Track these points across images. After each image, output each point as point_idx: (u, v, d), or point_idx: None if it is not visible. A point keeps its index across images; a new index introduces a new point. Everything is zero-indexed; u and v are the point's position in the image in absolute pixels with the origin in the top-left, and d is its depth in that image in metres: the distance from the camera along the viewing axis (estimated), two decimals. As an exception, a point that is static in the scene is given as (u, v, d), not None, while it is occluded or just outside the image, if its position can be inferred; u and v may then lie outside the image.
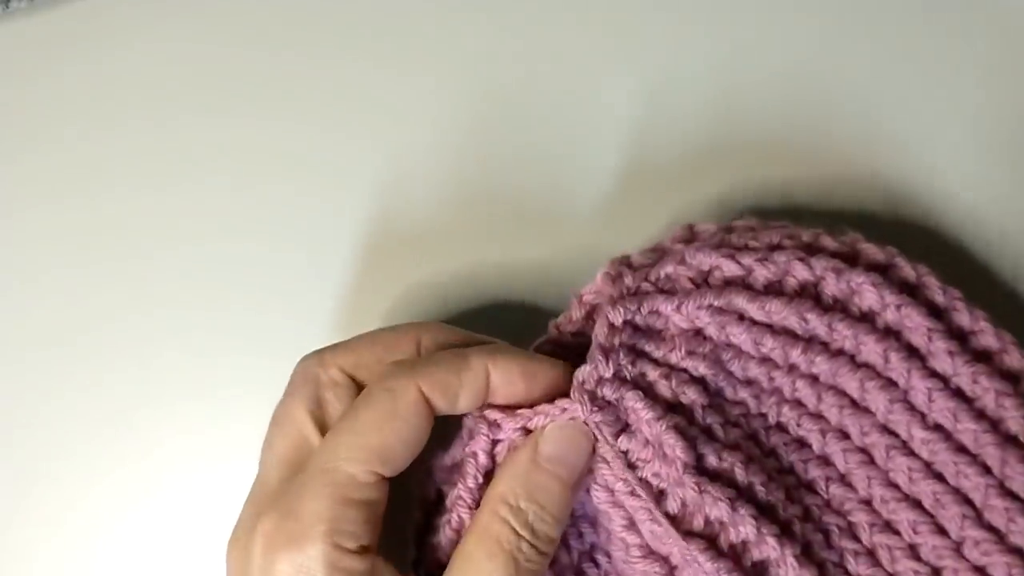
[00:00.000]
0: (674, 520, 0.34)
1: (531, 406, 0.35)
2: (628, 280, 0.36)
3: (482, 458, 0.35)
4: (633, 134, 0.43)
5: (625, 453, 0.35)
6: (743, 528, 0.34)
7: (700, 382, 0.36)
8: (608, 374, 0.35)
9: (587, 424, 0.35)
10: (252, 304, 0.43)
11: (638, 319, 0.36)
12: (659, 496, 0.34)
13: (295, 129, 0.44)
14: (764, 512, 0.34)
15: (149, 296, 0.43)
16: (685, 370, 0.35)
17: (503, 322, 0.42)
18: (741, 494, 0.34)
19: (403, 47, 0.44)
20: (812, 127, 0.42)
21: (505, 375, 0.35)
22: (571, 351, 0.37)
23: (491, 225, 0.43)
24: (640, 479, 0.34)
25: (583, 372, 0.35)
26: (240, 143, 0.44)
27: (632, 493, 0.34)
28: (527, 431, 0.35)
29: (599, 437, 0.35)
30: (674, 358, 0.35)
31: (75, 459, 0.42)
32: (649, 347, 0.36)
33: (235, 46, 0.44)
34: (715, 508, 0.34)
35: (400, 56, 0.44)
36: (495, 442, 0.35)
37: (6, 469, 0.42)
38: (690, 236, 0.38)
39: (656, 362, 0.35)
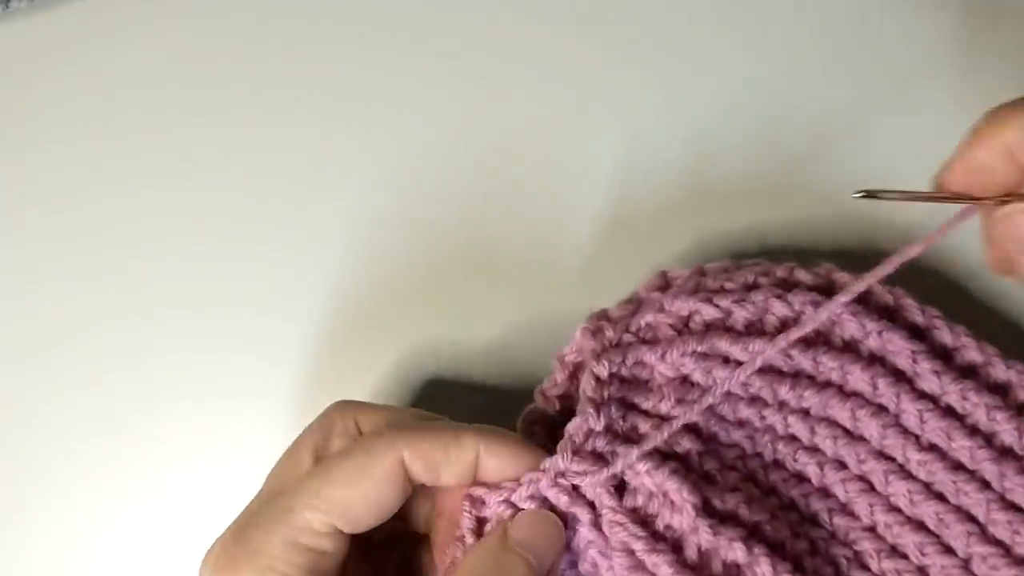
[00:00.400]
0: (695, 569, 0.34)
1: None
2: (609, 333, 0.36)
3: (469, 539, 0.35)
4: (609, 187, 0.43)
5: (634, 511, 0.34)
6: (759, 568, 0.34)
7: (693, 429, 0.36)
8: (599, 427, 0.35)
9: (567, 480, 0.34)
10: (251, 305, 0.43)
11: (624, 371, 0.36)
12: (676, 547, 0.34)
13: (293, 128, 0.44)
14: (775, 550, 0.34)
15: (149, 296, 0.44)
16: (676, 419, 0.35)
17: (489, 390, 0.42)
18: (752, 534, 0.34)
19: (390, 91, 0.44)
20: (787, 170, 0.42)
21: (497, 458, 0.35)
22: (561, 420, 0.37)
23: (474, 285, 0.43)
24: (655, 533, 0.34)
25: (573, 425, 0.35)
26: (239, 142, 0.44)
27: (653, 550, 0.34)
28: (512, 505, 0.35)
29: (601, 503, 0.34)
30: (664, 407, 0.35)
31: (75, 458, 0.43)
32: (638, 399, 0.36)
33: (235, 46, 0.44)
34: (731, 551, 0.34)
35: (385, 103, 0.44)
36: (481, 520, 0.35)
37: (5, 469, 0.43)
38: (664, 283, 0.38)
39: (647, 413, 0.35)
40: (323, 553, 0.34)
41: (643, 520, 0.34)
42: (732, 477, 0.36)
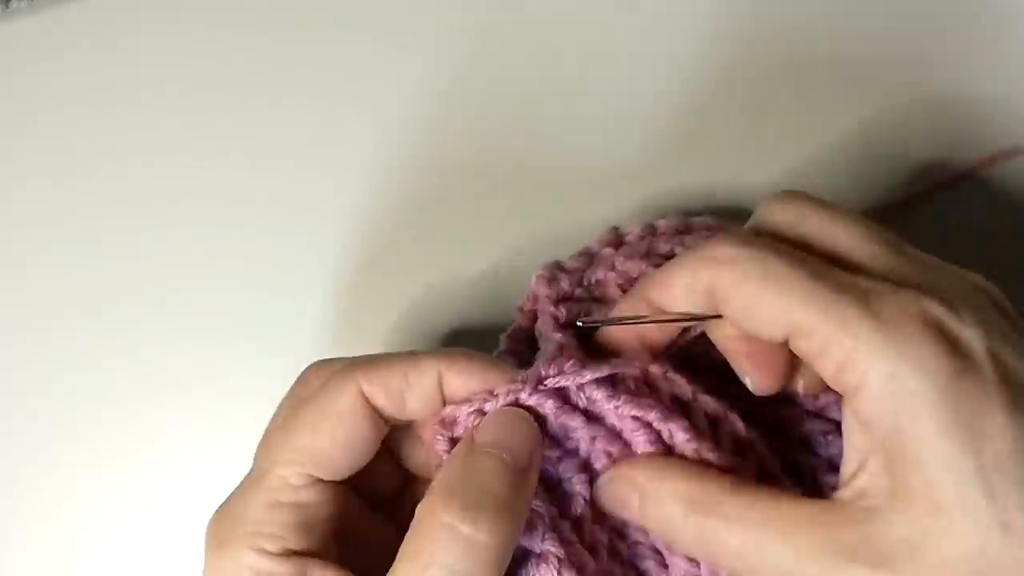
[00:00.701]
0: (704, 435, 0.34)
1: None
2: (563, 284, 0.37)
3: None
4: (602, 133, 0.44)
5: (635, 391, 0.34)
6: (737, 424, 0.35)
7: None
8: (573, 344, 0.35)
9: (549, 384, 0.34)
10: (250, 298, 0.43)
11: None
12: (687, 414, 0.35)
13: (291, 117, 0.44)
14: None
15: (151, 287, 0.44)
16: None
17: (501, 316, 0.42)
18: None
19: (392, 53, 0.45)
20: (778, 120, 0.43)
21: (462, 376, 0.34)
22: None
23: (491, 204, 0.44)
24: (665, 404, 0.34)
25: (546, 345, 0.35)
26: (240, 131, 0.44)
27: (668, 418, 0.34)
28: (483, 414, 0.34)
29: (594, 397, 0.34)
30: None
31: (71, 452, 0.43)
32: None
33: (235, 46, 0.45)
34: (735, 422, 0.35)
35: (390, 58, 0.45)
36: (454, 441, 0.34)
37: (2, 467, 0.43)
38: (616, 240, 0.39)
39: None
40: (307, 505, 0.33)
41: (651, 393, 0.34)
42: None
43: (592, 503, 0.34)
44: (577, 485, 0.34)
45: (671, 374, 0.35)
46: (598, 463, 0.34)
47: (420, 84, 0.44)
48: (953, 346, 0.29)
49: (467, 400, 0.34)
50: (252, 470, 0.34)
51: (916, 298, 0.30)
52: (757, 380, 0.34)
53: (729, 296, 0.32)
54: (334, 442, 0.33)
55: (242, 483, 0.34)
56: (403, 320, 0.43)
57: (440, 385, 0.34)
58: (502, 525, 0.31)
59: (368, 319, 0.43)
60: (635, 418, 0.34)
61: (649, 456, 0.34)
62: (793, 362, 0.34)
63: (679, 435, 0.34)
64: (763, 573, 0.31)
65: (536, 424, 0.34)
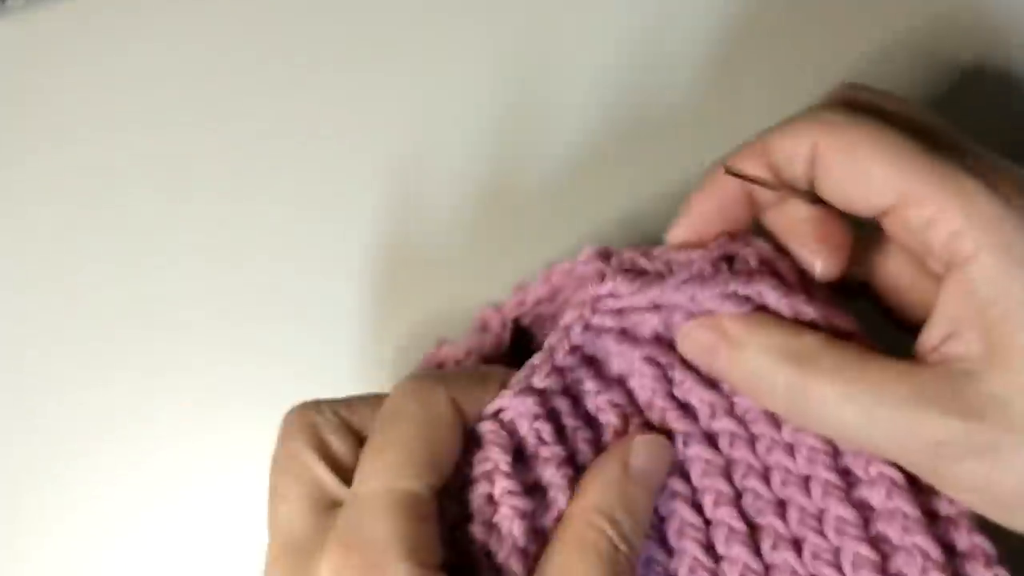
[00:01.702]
0: None
1: None
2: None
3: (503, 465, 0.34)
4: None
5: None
6: None
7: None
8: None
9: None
10: (257, 309, 0.43)
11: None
12: None
13: (298, 129, 0.44)
14: None
15: (150, 298, 0.43)
16: None
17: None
18: None
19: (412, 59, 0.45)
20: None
21: None
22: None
23: (505, 244, 0.43)
24: None
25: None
26: (239, 141, 0.44)
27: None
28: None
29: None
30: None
31: (76, 465, 0.42)
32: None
33: (236, 45, 0.45)
34: None
35: (408, 67, 0.45)
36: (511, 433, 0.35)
37: (6, 473, 0.43)
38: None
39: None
40: (434, 516, 0.32)
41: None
42: None
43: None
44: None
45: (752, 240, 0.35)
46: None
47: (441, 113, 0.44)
48: None
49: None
50: (364, 496, 0.32)
51: (1017, 170, 0.32)
52: (827, 260, 0.34)
53: (836, 160, 0.33)
54: (446, 449, 0.33)
55: (351, 513, 0.32)
56: (416, 341, 0.43)
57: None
58: (639, 549, 0.34)
59: (382, 337, 0.43)
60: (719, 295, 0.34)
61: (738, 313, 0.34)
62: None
63: (769, 294, 0.34)
64: (851, 427, 0.32)
65: (673, 449, 0.35)
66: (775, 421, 0.35)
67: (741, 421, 0.36)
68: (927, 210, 0.32)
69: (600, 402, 0.36)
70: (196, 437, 0.42)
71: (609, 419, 0.36)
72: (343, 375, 0.42)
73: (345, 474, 0.33)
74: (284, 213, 0.44)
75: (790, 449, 0.35)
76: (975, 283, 0.31)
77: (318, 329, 0.43)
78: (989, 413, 0.31)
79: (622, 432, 0.36)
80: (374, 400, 0.35)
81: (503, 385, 0.35)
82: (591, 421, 0.36)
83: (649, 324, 0.36)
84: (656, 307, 0.36)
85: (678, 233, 0.36)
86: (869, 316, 0.36)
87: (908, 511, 0.33)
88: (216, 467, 0.42)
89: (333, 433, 0.34)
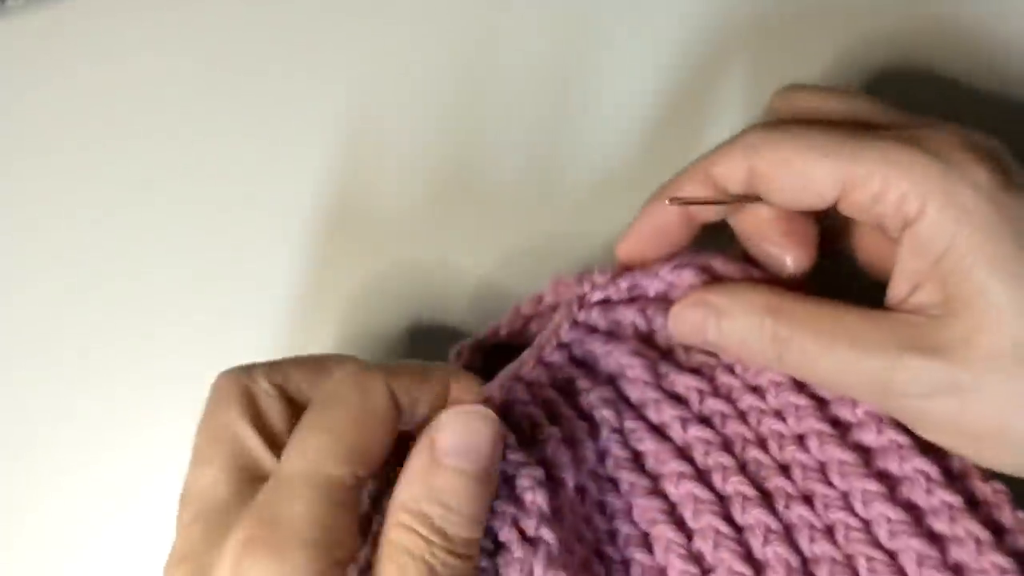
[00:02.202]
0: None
1: None
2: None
3: None
4: (611, 119, 0.44)
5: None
6: None
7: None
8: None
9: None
10: (255, 309, 0.43)
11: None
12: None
13: (290, 115, 0.45)
14: None
15: (146, 291, 0.44)
16: None
17: (471, 310, 0.43)
18: None
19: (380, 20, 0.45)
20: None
21: (465, 396, 0.34)
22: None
23: (459, 208, 0.44)
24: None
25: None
26: (237, 134, 0.44)
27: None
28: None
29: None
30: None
31: (66, 452, 0.43)
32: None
33: (235, 42, 0.45)
34: None
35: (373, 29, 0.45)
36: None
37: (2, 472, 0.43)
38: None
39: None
40: (355, 506, 0.32)
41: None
42: None
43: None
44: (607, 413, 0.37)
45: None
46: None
47: (410, 80, 0.45)
48: (996, 165, 0.33)
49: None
50: (284, 476, 0.31)
51: (955, 131, 0.34)
52: (798, 256, 0.37)
53: (773, 173, 0.35)
54: (377, 440, 0.32)
55: (272, 489, 0.31)
56: (360, 317, 0.43)
57: (447, 397, 0.34)
58: (475, 537, 0.32)
59: (327, 312, 0.43)
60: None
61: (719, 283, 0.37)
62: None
63: (716, 260, 0.37)
64: (829, 371, 0.35)
65: (496, 419, 0.33)
66: (758, 392, 0.37)
67: (728, 399, 0.37)
68: (871, 187, 0.34)
69: (593, 399, 0.37)
70: (161, 425, 0.42)
71: (603, 414, 0.37)
72: (283, 339, 0.43)
73: (277, 445, 0.32)
74: (268, 203, 0.44)
75: (778, 414, 0.37)
76: (926, 237, 0.33)
77: (260, 292, 0.43)
78: (952, 353, 0.33)
79: (617, 428, 0.37)
80: (310, 363, 0.34)
81: (446, 384, 0.34)
82: (586, 416, 0.37)
83: (629, 320, 0.38)
84: (632, 299, 0.38)
85: (624, 247, 0.38)
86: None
87: (901, 440, 0.35)
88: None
89: (267, 402, 0.33)
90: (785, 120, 0.36)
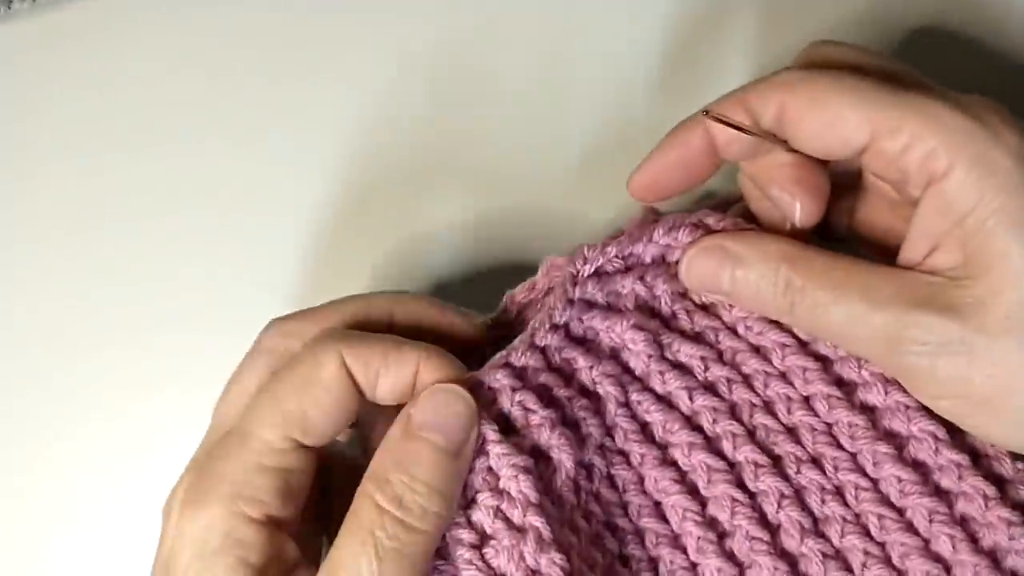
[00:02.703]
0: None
1: None
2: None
3: None
4: (608, 95, 0.44)
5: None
6: None
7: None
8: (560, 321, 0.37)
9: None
10: (226, 278, 0.44)
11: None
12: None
13: (290, 115, 0.45)
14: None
15: (145, 292, 0.44)
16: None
17: (486, 279, 0.43)
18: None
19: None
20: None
21: (435, 375, 0.34)
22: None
23: (467, 183, 0.44)
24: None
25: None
26: (237, 135, 0.45)
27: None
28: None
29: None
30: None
31: (68, 446, 0.43)
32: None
33: (238, 45, 0.45)
34: None
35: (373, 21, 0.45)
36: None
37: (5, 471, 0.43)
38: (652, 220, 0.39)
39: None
40: (289, 471, 0.33)
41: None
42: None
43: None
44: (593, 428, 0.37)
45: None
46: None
47: (410, 68, 0.45)
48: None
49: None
50: (230, 432, 0.33)
51: (985, 100, 0.33)
52: (808, 205, 0.36)
53: (805, 112, 0.34)
54: (319, 408, 0.33)
55: (218, 443, 0.33)
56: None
57: (413, 377, 0.34)
58: (435, 509, 0.32)
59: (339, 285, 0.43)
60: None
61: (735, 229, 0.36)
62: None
63: (722, 222, 0.37)
64: (840, 323, 0.34)
65: (473, 403, 0.34)
66: (763, 354, 0.37)
67: (732, 365, 0.37)
68: (901, 137, 0.33)
69: (595, 375, 0.37)
70: (161, 405, 0.43)
71: (607, 390, 0.37)
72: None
73: None
74: (270, 199, 0.44)
75: (784, 377, 0.37)
76: (951, 195, 0.33)
77: (268, 277, 0.44)
78: (966, 314, 0.32)
79: (623, 402, 0.37)
80: (349, 309, 0.36)
81: (416, 361, 0.34)
82: (588, 394, 0.37)
83: (629, 289, 0.37)
84: (629, 268, 0.37)
85: (639, 177, 0.37)
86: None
87: (907, 401, 0.35)
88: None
89: (282, 357, 0.35)
90: (819, 65, 0.35)
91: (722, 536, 0.36)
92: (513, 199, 0.44)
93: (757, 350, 0.37)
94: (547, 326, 0.36)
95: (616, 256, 0.37)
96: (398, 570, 0.31)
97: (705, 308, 0.38)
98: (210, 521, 0.32)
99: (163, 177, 0.45)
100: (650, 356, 0.37)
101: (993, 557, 0.34)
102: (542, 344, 0.36)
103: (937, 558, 0.34)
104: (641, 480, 0.37)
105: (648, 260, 0.38)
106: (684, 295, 0.38)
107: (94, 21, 0.45)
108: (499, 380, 0.35)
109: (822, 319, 0.34)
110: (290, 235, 0.44)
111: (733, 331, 0.38)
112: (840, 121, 0.33)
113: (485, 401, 0.35)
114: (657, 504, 0.36)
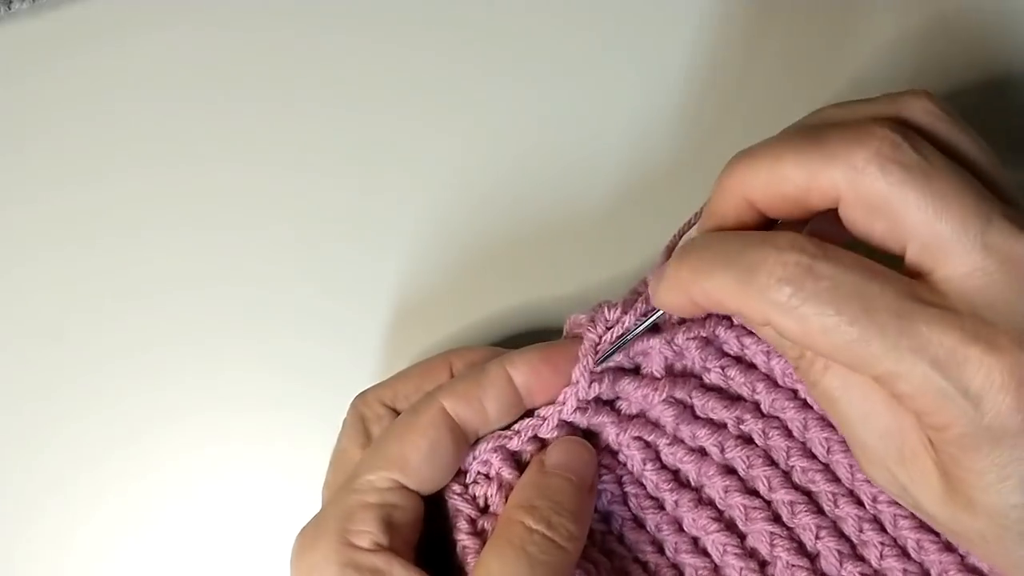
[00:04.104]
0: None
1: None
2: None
3: (464, 525, 0.36)
4: (634, 150, 0.43)
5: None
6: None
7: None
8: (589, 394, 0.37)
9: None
10: (263, 317, 0.44)
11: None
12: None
13: (291, 122, 0.44)
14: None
15: (144, 292, 0.44)
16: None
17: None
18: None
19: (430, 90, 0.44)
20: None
21: (527, 369, 0.36)
22: None
23: (514, 262, 0.43)
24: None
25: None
26: (243, 140, 0.44)
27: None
28: (512, 453, 0.37)
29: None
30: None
31: (82, 472, 0.43)
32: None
33: (240, 47, 0.45)
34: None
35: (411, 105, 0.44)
36: (466, 488, 0.37)
37: (11, 481, 0.43)
38: None
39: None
40: (392, 506, 0.35)
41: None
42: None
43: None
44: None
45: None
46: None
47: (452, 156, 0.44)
48: None
49: (493, 436, 0.37)
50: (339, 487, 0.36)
51: (1009, 369, 0.28)
52: None
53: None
54: (417, 450, 0.35)
55: (331, 498, 0.36)
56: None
57: (512, 384, 0.36)
58: (576, 533, 0.35)
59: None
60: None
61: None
62: None
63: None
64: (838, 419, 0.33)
65: (592, 449, 0.37)
66: (804, 402, 0.37)
67: (770, 416, 0.38)
68: (893, 390, 0.30)
69: (622, 438, 0.38)
70: (198, 444, 0.43)
71: (631, 453, 0.38)
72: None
73: None
74: (279, 210, 0.44)
75: (823, 420, 0.37)
76: (940, 445, 0.30)
77: (341, 341, 0.43)
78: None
79: (654, 457, 0.38)
80: (416, 372, 0.38)
81: (504, 375, 0.36)
82: (612, 452, 0.38)
83: (656, 350, 0.37)
84: (655, 329, 0.37)
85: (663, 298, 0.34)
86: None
87: None
88: (215, 475, 0.43)
89: (376, 423, 0.37)
90: (821, 267, 0.29)
91: (763, 565, 0.37)
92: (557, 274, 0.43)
93: (795, 394, 0.38)
94: (573, 406, 0.37)
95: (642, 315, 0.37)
96: None
97: (740, 360, 0.38)
98: (324, 556, 0.34)
99: (163, 177, 0.44)
100: (679, 421, 0.37)
101: None
102: (569, 420, 0.37)
103: (974, 570, 0.36)
104: (676, 521, 0.38)
105: (675, 319, 0.37)
106: (720, 351, 0.38)
107: (94, 21, 0.45)
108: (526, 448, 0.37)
109: (821, 400, 0.34)
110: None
111: (771, 380, 0.38)
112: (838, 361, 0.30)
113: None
114: (695, 539, 0.38)
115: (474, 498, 0.36)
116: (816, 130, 0.31)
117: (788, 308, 0.29)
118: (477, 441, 0.37)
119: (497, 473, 0.36)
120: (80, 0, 0.44)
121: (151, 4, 0.45)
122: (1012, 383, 0.28)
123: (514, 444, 0.36)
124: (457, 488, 0.36)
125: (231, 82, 0.44)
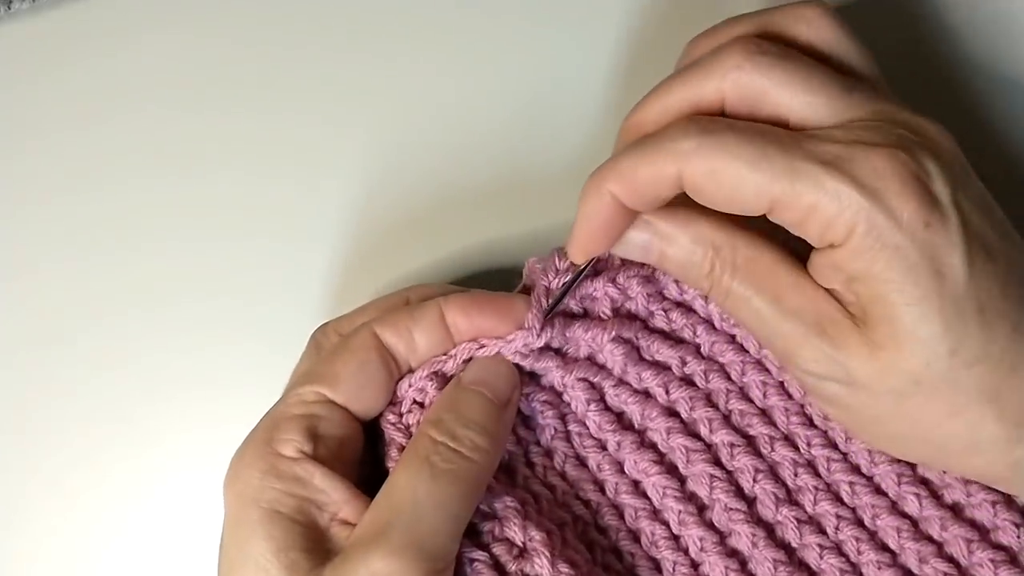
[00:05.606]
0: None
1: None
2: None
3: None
4: (605, 92, 0.45)
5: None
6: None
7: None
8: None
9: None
10: (247, 298, 0.44)
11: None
12: None
13: (287, 121, 0.45)
14: None
15: (153, 289, 0.45)
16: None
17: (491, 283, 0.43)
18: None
19: (391, 39, 0.46)
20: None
21: (457, 309, 0.37)
22: None
23: (475, 204, 0.45)
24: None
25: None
26: (237, 138, 0.45)
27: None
28: (447, 379, 0.37)
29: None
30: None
31: (74, 458, 0.44)
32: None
33: (238, 49, 0.46)
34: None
35: (387, 49, 0.46)
36: (401, 416, 0.37)
37: (4, 469, 0.44)
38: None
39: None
40: (318, 417, 0.36)
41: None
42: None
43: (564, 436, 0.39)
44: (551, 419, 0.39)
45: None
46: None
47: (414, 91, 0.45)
48: (923, 198, 0.33)
49: (426, 362, 0.37)
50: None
51: (888, 157, 0.33)
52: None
53: (703, 185, 0.34)
54: (345, 365, 0.36)
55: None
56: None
57: (443, 321, 0.37)
58: (483, 445, 0.36)
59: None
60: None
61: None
62: None
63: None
64: (749, 319, 0.36)
65: (514, 368, 0.38)
66: (741, 347, 0.39)
67: (709, 357, 0.39)
68: (797, 210, 0.33)
69: (567, 380, 0.39)
70: (187, 428, 0.44)
71: (576, 394, 0.39)
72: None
73: None
74: (271, 201, 0.45)
75: (760, 364, 0.39)
76: (844, 262, 0.34)
77: (307, 315, 0.44)
78: (855, 353, 0.34)
79: (597, 399, 0.39)
80: (373, 306, 0.39)
81: (438, 310, 0.37)
82: (555, 393, 0.39)
83: (602, 293, 0.39)
84: (598, 272, 0.39)
85: (574, 251, 0.37)
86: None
87: None
88: (206, 458, 0.43)
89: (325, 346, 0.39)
90: (719, 121, 0.35)
91: (702, 509, 0.38)
92: (515, 217, 0.45)
93: (733, 339, 0.39)
94: (520, 344, 0.37)
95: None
96: (452, 492, 0.34)
97: (680, 305, 0.40)
98: (246, 464, 0.35)
99: (163, 177, 0.45)
100: (627, 361, 0.39)
101: (954, 510, 0.37)
102: (512, 360, 0.38)
103: (904, 515, 0.37)
104: (618, 463, 0.39)
105: (618, 261, 0.39)
106: (660, 295, 0.40)
107: (94, 21, 0.46)
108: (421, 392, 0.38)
109: (736, 309, 0.36)
110: (318, 249, 0.45)
111: (710, 323, 0.40)
112: (737, 193, 0.34)
113: None
114: (636, 483, 0.38)
115: (407, 427, 0.37)
116: (695, 61, 0.36)
117: (695, 153, 0.33)
118: (413, 372, 0.37)
119: (431, 401, 0.37)
120: (80, 0, 0.45)
121: (151, 4, 0.46)
122: (897, 170, 0.32)
123: (449, 367, 0.37)
124: (392, 417, 0.37)
125: (231, 82, 0.45)
